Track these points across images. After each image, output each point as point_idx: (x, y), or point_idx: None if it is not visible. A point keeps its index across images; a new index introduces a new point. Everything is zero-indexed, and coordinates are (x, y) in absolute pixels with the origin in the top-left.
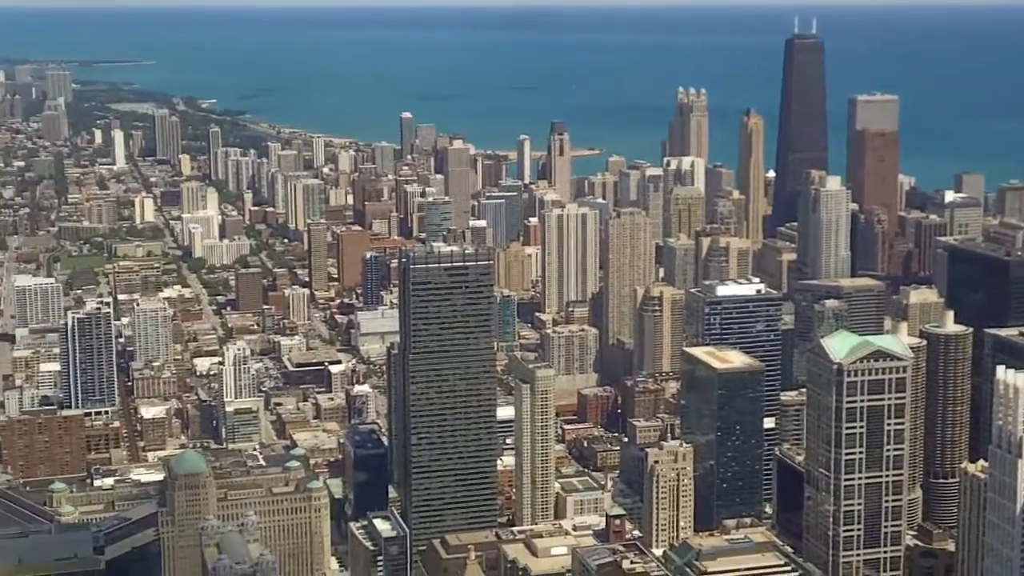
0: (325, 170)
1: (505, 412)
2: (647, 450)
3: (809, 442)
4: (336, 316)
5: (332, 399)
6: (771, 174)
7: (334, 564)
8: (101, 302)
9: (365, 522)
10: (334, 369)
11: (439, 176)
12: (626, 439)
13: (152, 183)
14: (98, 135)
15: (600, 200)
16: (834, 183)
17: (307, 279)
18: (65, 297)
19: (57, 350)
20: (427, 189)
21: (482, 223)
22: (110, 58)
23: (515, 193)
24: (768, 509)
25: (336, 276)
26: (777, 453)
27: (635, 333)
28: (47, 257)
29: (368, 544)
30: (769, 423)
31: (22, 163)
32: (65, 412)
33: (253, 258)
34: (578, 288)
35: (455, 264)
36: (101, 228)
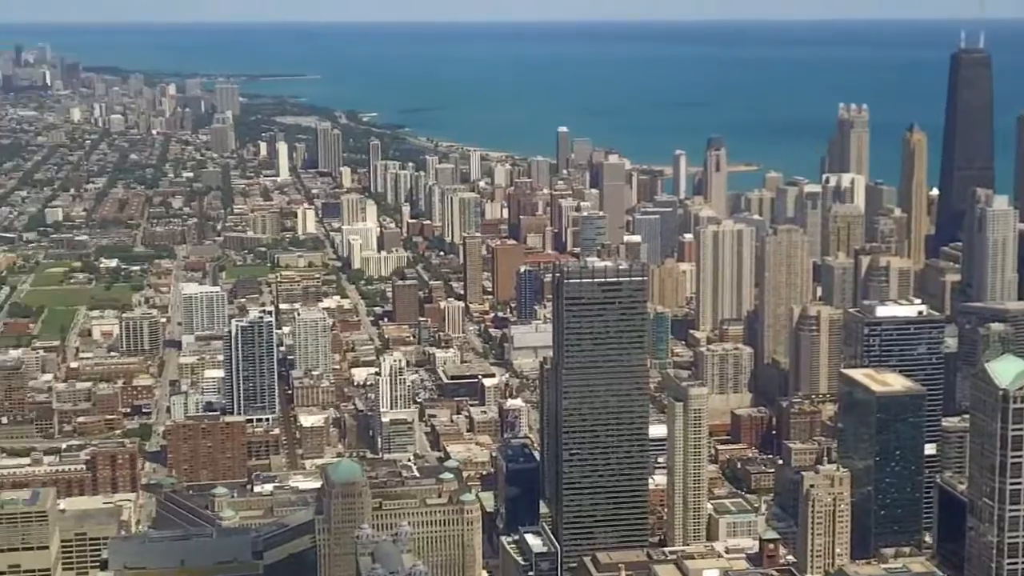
0: (481, 184)
1: (657, 430)
2: (803, 473)
3: (972, 470)
4: (490, 329)
5: (485, 412)
6: (935, 192)
7: None
8: (263, 311)
9: (516, 537)
10: (487, 382)
11: (594, 191)
12: (781, 461)
13: (314, 195)
14: (263, 147)
15: (756, 217)
16: (1001, 202)
17: (462, 292)
18: (229, 305)
19: (221, 357)
20: (582, 203)
21: (636, 238)
22: (276, 73)
23: (670, 209)
24: (928, 538)
25: (490, 289)
26: (938, 481)
27: (791, 353)
28: (213, 266)
29: (519, 559)
30: (930, 449)
31: (191, 174)
32: (228, 418)
33: (410, 270)
34: (733, 306)
35: (609, 279)
36: (264, 238)
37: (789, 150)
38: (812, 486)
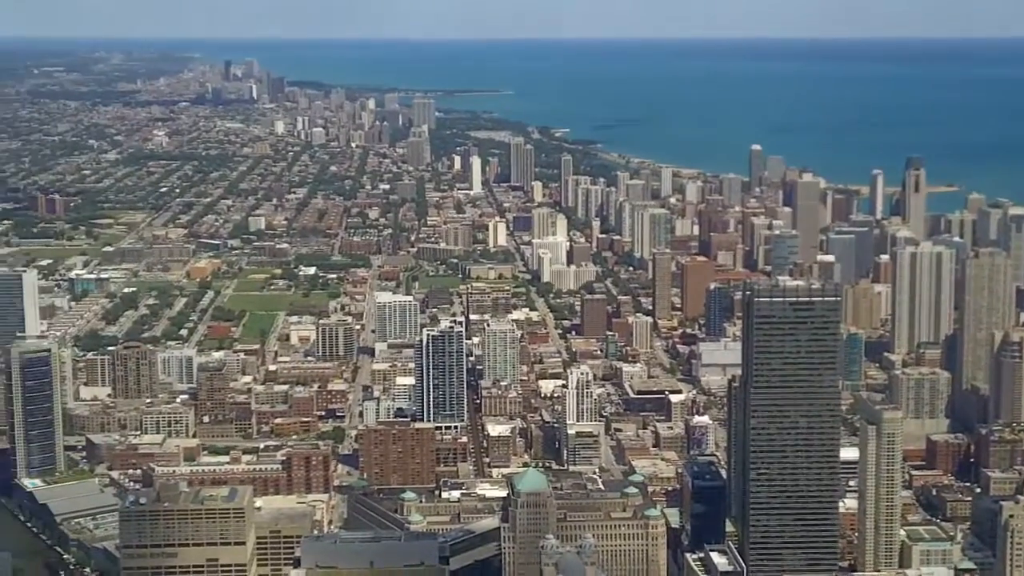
0: (672, 200)
1: (849, 453)
2: (1002, 503)
3: None
4: (678, 345)
5: (671, 428)
6: None
7: None
8: (454, 321)
9: (701, 554)
10: (674, 398)
11: (787, 209)
12: (979, 490)
13: (505, 208)
14: (457, 161)
15: (957, 239)
16: None
17: (650, 307)
18: (421, 314)
19: (412, 365)
20: (774, 222)
21: (830, 258)
22: (471, 88)
23: (866, 229)
24: None
25: (679, 306)
26: None
27: (992, 379)
28: (406, 276)
29: None
30: None
31: (387, 186)
32: (418, 424)
33: (598, 285)
34: (930, 329)
35: (801, 299)
36: (456, 250)
37: (992, 172)
38: (1012, 516)
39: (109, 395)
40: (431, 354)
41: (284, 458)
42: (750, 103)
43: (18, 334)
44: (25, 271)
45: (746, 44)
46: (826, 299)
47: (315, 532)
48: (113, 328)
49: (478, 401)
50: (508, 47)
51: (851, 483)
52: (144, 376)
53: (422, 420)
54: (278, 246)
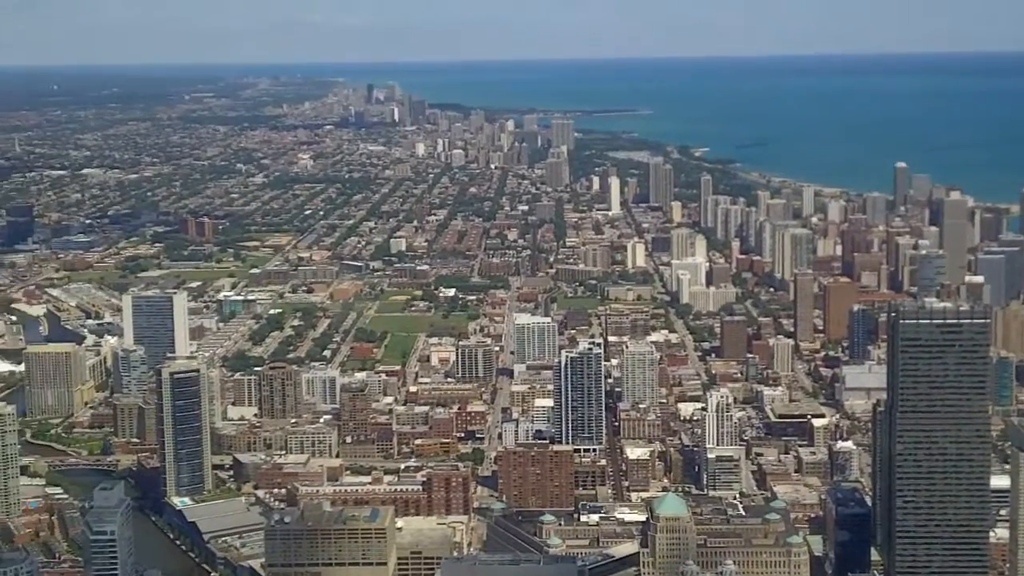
0: (814, 220)
1: (1000, 481)
2: None
3: None
4: (820, 368)
5: (814, 453)
6: None
7: None
8: (593, 343)
9: None
10: (817, 423)
11: (933, 228)
12: None
13: (644, 229)
14: (596, 182)
15: None
16: None
17: (792, 329)
18: (560, 336)
19: (551, 386)
20: (920, 241)
21: (979, 279)
22: (610, 108)
23: (1016, 248)
24: None
25: (821, 328)
26: None
27: None
28: (545, 297)
29: None
30: None
31: (526, 207)
32: (556, 447)
33: (738, 306)
34: None
35: (948, 321)
36: (595, 271)
37: None
38: None
39: (255, 415)
40: (570, 376)
41: (424, 479)
42: (890, 120)
43: (168, 354)
44: (176, 293)
45: (876, 60)
46: (975, 321)
47: (455, 554)
48: (259, 349)
49: (617, 424)
50: (647, 65)
51: (1002, 512)
52: (289, 396)
53: (561, 442)
54: (419, 267)
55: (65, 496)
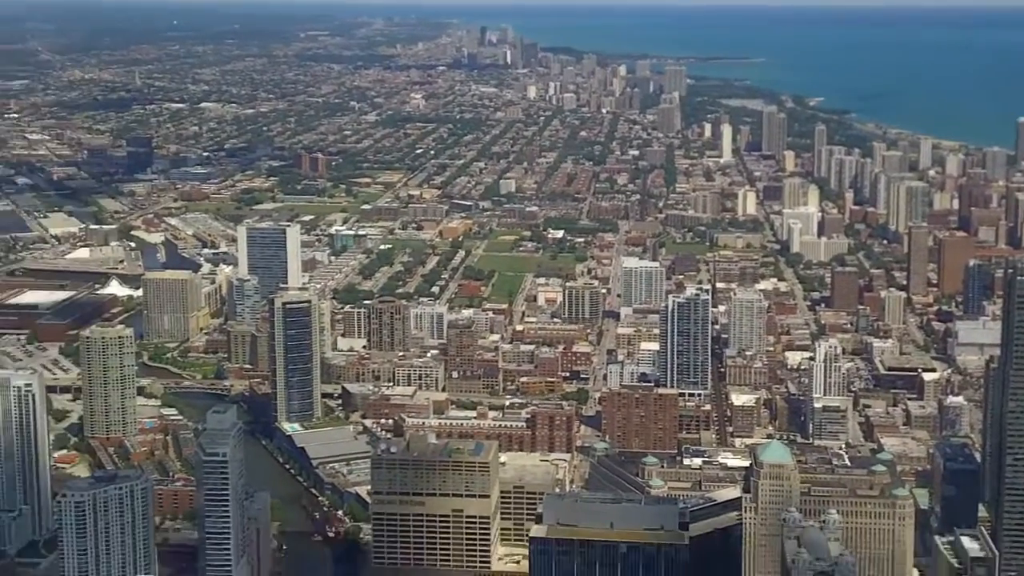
0: (931, 173)
1: None
2: None
3: None
4: (932, 323)
5: (923, 407)
6: None
7: (915, 575)
8: (700, 289)
9: (951, 538)
10: (927, 377)
11: None
12: None
13: (755, 177)
14: (707, 129)
15: None
16: None
17: (904, 282)
18: (667, 281)
19: (657, 330)
20: None
21: None
22: (724, 55)
23: None
24: None
25: (935, 282)
26: None
27: None
28: (653, 242)
29: (953, 561)
30: None
31: (636, 152)
32: (661, 390)
33: (850, 257)
34: None
35: None
36: (704, 218)
37: None
38: None
39: (364, 347)
40: (676, 321)
41: (529, 416)
42: (1013, 74)
43: (281, 285)
44: (289, 226)
45: (1000, 13)
46: None
47: (557, 490)
48: (369, 283)
49: (722, 370)
50: (763, 13)
51: None
52: (397, 330)
53: (665, 386)
54: (527, 209)
55: (179, 417)
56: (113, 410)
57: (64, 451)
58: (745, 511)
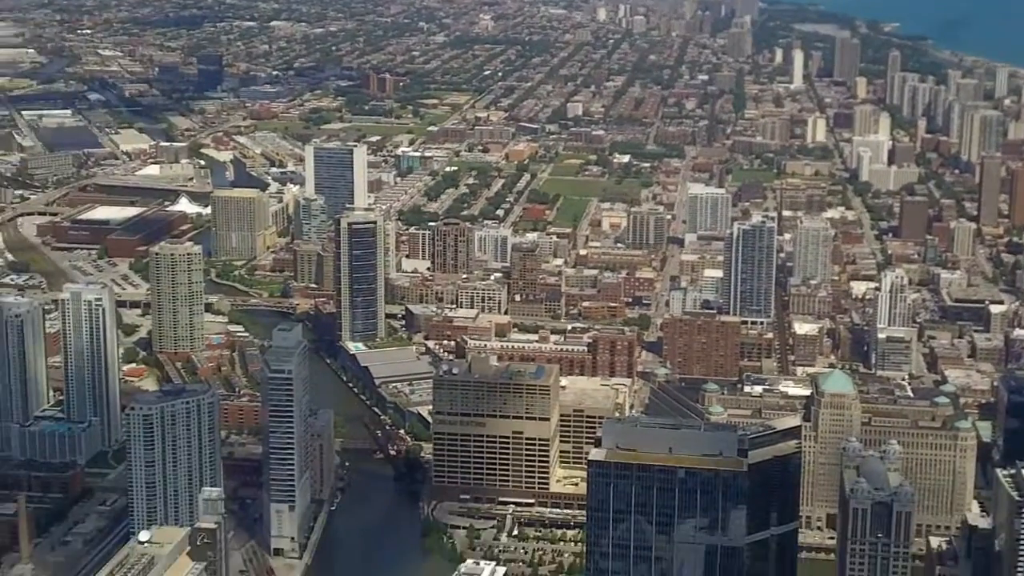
0: (1007, 102)
1: None
2: None
3: None
4: (1002, 255)
5: (989, 339)
6: None
7: (975, 508)
8: (766, 216)
9: (1013, 471)
10: (994, 309)
11: None
12: None
13: (826, 104)
14: (779, 54)
15: None
16: None
17: (975, 213)
18: (733, 208)
19: (721, 258)
20: None
21: None
22: None
23: None
24: None
25: (1006, 213)
26: None
27: None
28: (720, 168)
29: (1014, 494)
30: None
31: (705, 77)
32: (723, 318)
33: (920, 187)
34: None
35: None
36: (772, 144)
37: None
38: None
39: (428, 268)
40: (741, 248)
41: (590, 341)
42: None
43: (347, 205)
44: (356, 146)
45: None
46: None
47: (617, 415)
48: (434, 204)
49: (786, 298)
50: None
51: None
52: (461, 252)
53: (728, 314)
54: (594, 132)
55: (246, 334)
56: (181, 326)
57: (133, 365)
58: (805, 440)
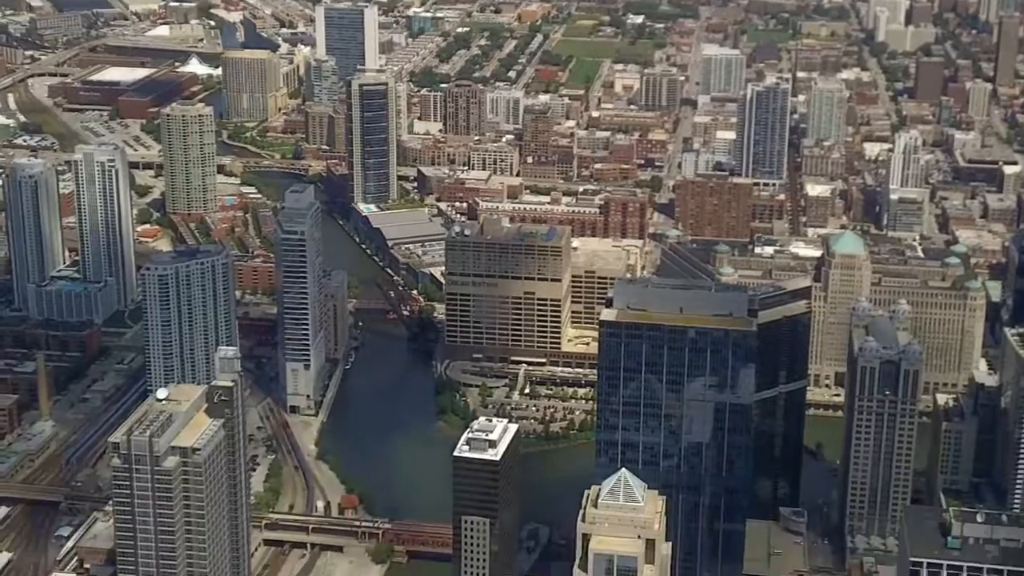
0: None
1: None
2: None
3: None
4: (1017, 115)
5: (1002, 200)
6: None
7: (983, 366)
8: (780, 78)
9: (1022, 330)
10: (1008, 170)
11: None
12: None
13: None
14: None
15: None
16: None
17: (991, 73)
18: (747, 69)
19: (734, 119)
20: None
21: None
22: None
23: None
24: None
25: (1023, 74)
26: None
27: None
28: (735, 29)
29: (1022, 352)
30: None
31: None
32: (736, 179)
33: (937, 47)
34: None
35: None
36: (788, 4)
37: None
38: None
39: (440, 130)
40: (754, 110)
41: (602, 202)
42: None
43: (358, 67)
44: (367, 7)
45: None
46: None
47: (628, 276)
48: (446, 66)
49: (799, 160)
50: None
51: None
52: (473, 114)
53: (740, 175)
54: None
55: (259, 196)
56: (194, 187)
57: (147, 226)
58: (815, 300)
